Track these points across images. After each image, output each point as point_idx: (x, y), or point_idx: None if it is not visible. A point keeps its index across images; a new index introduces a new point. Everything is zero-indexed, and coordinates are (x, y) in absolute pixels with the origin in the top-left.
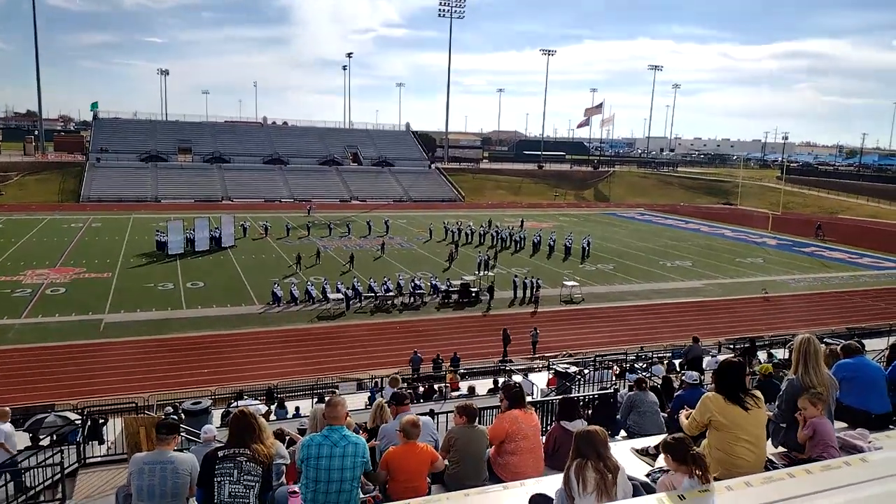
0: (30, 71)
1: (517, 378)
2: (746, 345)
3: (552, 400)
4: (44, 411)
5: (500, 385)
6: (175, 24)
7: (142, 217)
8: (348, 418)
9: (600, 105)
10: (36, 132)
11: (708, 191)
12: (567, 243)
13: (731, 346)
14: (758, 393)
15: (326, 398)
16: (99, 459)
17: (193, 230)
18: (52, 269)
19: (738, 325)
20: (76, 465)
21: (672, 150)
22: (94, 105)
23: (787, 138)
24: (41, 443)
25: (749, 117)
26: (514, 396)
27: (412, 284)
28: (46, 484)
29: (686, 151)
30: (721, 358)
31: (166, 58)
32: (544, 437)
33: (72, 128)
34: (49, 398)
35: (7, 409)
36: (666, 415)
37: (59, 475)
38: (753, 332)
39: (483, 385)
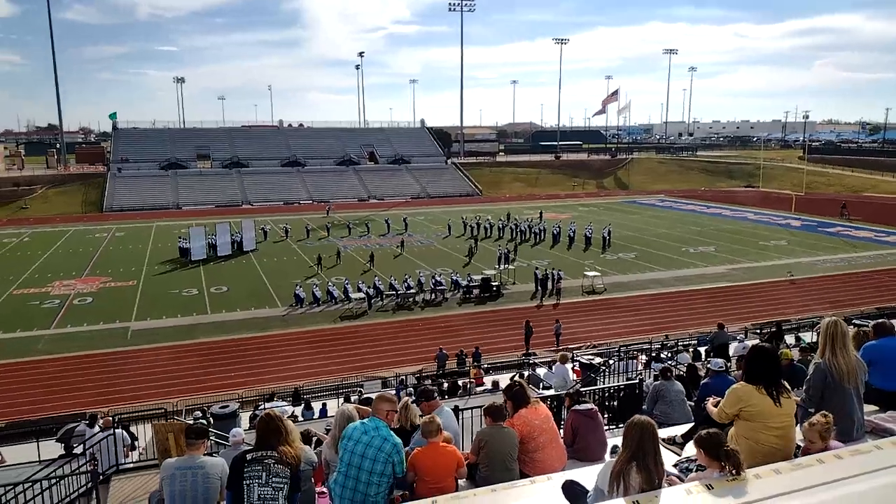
0: (49, 85)
1: (541, 371)
2: (773, 329)
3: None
4: (74, 420)
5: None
6: (188, 31)
7: (164, 224)
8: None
9: (616, 92)
10: (57, 145)
11: (729, 174)
12: (587, 233)
13: (758, 332)
14: (785, 383)
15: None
16: (131, 466)
17: (215, 235)
18: (79, 279)
19: (763, 309)
20: (110, 471)
21: (691, 135)
22: (113, 115)
23: (807, 117)
24: (74, 451)
25: (769, 97)
26: (516, 396)
27: (433, 281)
28: (81, 491)
29: (705, 135)
30: (749, 343)
31: (181, 65)
32: (562, 429)
33: (92, 139)
34: (80, 407)
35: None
36: (693, 403)
37: (92, 483)
38: (780, 316)
39: (507, 380)
